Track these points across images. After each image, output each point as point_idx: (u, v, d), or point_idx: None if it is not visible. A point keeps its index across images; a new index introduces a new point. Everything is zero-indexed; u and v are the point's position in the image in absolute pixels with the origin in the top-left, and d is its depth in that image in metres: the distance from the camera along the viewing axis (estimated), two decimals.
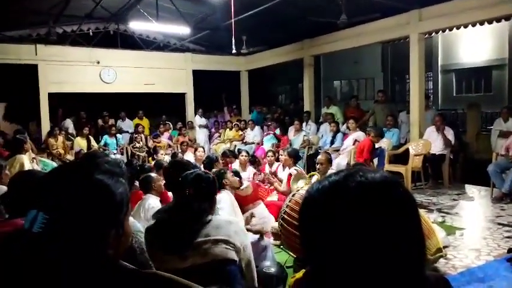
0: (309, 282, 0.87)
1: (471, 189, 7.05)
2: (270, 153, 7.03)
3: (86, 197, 0.85)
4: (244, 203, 4.73)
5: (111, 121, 11.59)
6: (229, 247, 2.06)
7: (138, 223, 2.49)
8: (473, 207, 6.13)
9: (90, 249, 0.85)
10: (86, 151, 9.02)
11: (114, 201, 0.88)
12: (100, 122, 12.02)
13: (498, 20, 7.52)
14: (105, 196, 0.87)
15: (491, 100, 13.87)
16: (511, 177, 5.97)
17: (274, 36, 10.77)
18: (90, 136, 10.10)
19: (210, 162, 5.77)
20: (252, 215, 4.41)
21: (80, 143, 9.76)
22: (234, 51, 7.78)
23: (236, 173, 5.06)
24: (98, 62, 10.74)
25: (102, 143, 10.22)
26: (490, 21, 7.43)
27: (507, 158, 6.24)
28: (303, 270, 1.45)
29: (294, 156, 6.11)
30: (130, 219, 2.24)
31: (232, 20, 7.07)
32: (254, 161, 7.12)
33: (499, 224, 5.03)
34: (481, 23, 7.41)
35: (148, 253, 2.15)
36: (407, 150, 7.63)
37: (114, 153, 9.63)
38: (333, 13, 7.80)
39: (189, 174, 2.30)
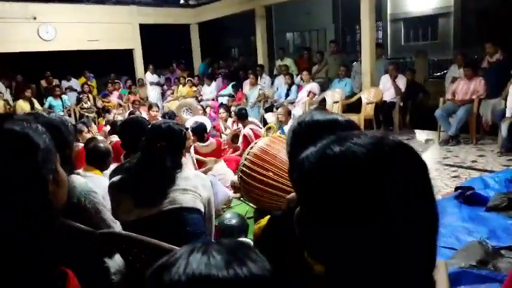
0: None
1: (420, 134, 7.36)
2: (221, 110, 6.75)
3: (4, 147, 0.78)
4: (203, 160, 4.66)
5: (55, 81, 10.92)
6: (196, 197, 2.05)
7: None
8: (422, 150, 6.41)
9: (33, 200, 0.78)
10: None
11: (39, 147, 0.82)
12: (43, 83, 11.30)
13: None
14: (25, 143, 0.80)
15: (437, 48, 14.36)
16: (456, 120, 6.26)
17: None
18: (33, 99, 9.50)
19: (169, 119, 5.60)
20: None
21: (23, 107, 9.16)
22: (182, 1, 7.38)
23: (201, 129, 4.90)
24: (35, 18, 9.91)
25: (46, 105, 9.67)
26: None
27: (453, 102, 6.51)
28: (267, 217, 1.46)
29: (240, 116, 5.84)
30: (81, 179, 2.14)
31: None
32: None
33: (446, 164, 5.31)
34: None
35: (114, 206, 2.10)
36: (360, 99, 7.78)
37: (62, 115, 9.16)
38: None
39: (161, 125, 2.19)
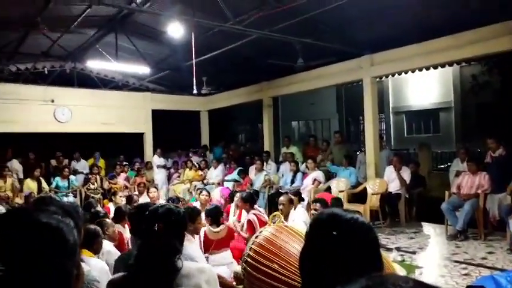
0: None
1: (427, 227, 7.24)
2: (238, 195, 6.26)
3: (39, 242, 0.82)
4: (210, 245, 4.55)
5: (65, 162, 11.13)
6: None
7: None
8: (430, 245, 6.28)
9: None
10: (36, 194, 8.54)
11: (69, 243, 0.86)
12: (53, 162, 11.52)
13: (442, 66, 8.08)
14: (58, 238, 0.85)
15: (440, 140, 14.65)
16: (463, 214, 6.20)
17: (234, 77, 10.97)
18: (41, 178, 9.59)
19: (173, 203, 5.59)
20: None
21: (30, 186, 9.23)
22: (195, 91, 7.81)
23: (216, 213, 4.82)
24: (53, 101, 10.44)
25: (53, 185, 9.73)
26: (435, 67, 7.97)
27: (459, 196, 6.50)
28: None
29: (249, 201, 5.60)
30: (86, 267, 2.12)
31: (193, 61, 7.14)
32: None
33: (456, 261, 5.16)
34: (427, 68, 7.93)
35: None
36: (365, 189, 7.80)
37: (68, 195, 9.19)
38: (291, 56, 8.07)
39: (159, 208, 2.19)
